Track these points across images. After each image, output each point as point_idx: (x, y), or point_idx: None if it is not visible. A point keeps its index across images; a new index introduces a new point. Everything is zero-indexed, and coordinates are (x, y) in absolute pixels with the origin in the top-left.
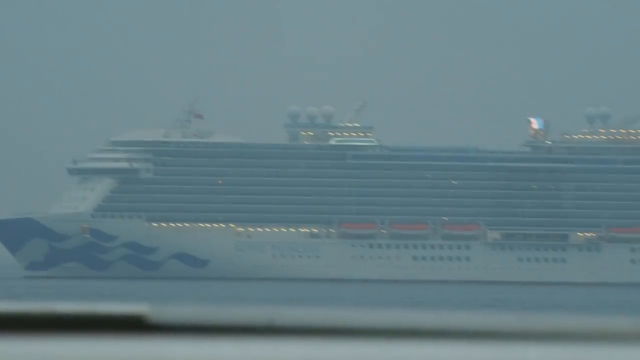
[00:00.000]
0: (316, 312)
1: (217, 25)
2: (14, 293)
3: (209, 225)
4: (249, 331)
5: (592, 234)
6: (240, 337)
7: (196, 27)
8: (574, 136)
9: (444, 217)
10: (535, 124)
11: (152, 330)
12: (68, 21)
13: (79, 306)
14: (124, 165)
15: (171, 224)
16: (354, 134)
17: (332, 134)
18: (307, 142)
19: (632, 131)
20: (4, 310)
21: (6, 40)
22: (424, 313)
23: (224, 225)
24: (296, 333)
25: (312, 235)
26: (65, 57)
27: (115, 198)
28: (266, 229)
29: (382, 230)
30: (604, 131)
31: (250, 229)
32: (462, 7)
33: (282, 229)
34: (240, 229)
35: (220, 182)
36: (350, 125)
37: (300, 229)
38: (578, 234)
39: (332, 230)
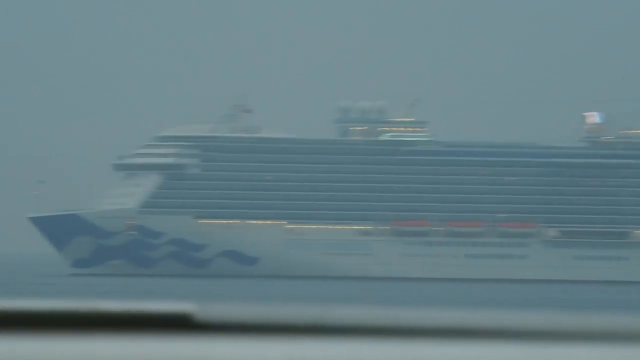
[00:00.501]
0: (365, 311)
1: (266, 19)
2: (59, 291)
3: (258, 222)
4: (296, 330)
5: None
6: (288, 337)
7: (245, 21)
8: (633, 131)
9: (499, 214)
10: (593, 118)
11: (199, 329)
12: (114, 15)
13: (124, 304)
14: (170, 160)
15: (219, 220)
16: (407, 129)
17: (384, 129)
18: (358, 138)
19: None
20: (48, 309)
21: (49, 34)
22: (476, 312)
23: (273, 222)
24: (344, 332)
25: (364, 232)
26: (112, 51)
27: (162, 194)
28: (316, 226)
29: (436, 228)
30: None
31: (300, 226)
32: (518, 2)
33: (333, 226)
34: (290, 226)
35: (269, 177)
36: (403, 120)
37: (351, 226)
38: (637, 231)
39: (384, 227)
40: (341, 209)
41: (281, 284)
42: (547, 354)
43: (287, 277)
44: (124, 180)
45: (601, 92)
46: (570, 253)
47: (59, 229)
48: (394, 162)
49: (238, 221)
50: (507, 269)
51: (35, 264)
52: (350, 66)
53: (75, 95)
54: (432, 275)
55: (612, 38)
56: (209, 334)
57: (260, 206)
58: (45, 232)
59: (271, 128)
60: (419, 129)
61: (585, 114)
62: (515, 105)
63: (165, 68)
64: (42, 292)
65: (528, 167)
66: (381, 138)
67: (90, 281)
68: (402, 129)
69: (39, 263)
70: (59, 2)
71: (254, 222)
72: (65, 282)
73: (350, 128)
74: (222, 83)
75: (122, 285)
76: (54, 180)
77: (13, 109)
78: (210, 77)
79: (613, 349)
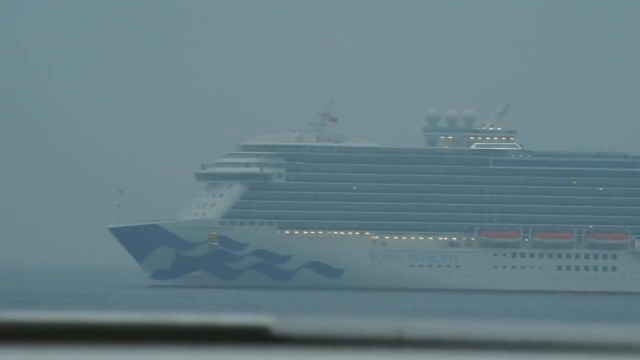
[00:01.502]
0: (446, 324)
1: (352, 27)
2: (139, 303)
3: (343, 233)
4: (376, 344)
5: None
6: (367, 350)
7: (330, 29)
8: None
9: (589, 226)
10: None
11: (277, 342)
12: (196, 22)
13: (201, 317)
14: (254, 170)
15: (304, 231)
16: (496, 139)
17: (473, 138)
18: (446, 147)
19: None
20: (125, 321)
21: (133, 48)
22: (562, 326)
23: (358, 233)
24: (425, 346)
25: (452, 243)
26: (194, 60)
27: (245, 204)
28: (403, 237)
29: (525, 239)
30: None
31: (386, 237)
32: (609, 11)
33: (420, 237)
34: (376, 237)
35: (354, 188)
36: (492, 129)
37: (438, 237)
38: None
39: (472, 238)
40: (428, 219)
41: (366, 296)
42: None
43: (372, 289)
44: (206, 190)
45: None
46: None
47: (139, 239)
48: (483, 172)
49: (323, 232)
50: (596, 280)
51: (115, 275)
52: (437, 73)
53: (156, 102)
54: (520, 287)
55: None
56: (287, 347)
57: (346, 217)
58: (126, 242)
59: (358, 137)
60: (508, 138)
61: None
62: (606, 114)
63: (249, 75)
64: (122, 304)
65: (618, 177)
66: (470, 147)
67: (171, 293)
68: (491, 138)
69: (118, 274)
70: (138, 13)
71: (339, 233)
72: (145, 294)
73: (439, 137)
74: (308, 91)
75: (203, 297)
76: (134, 190)
77: (93, 119)
78: (295, 83)
79: None
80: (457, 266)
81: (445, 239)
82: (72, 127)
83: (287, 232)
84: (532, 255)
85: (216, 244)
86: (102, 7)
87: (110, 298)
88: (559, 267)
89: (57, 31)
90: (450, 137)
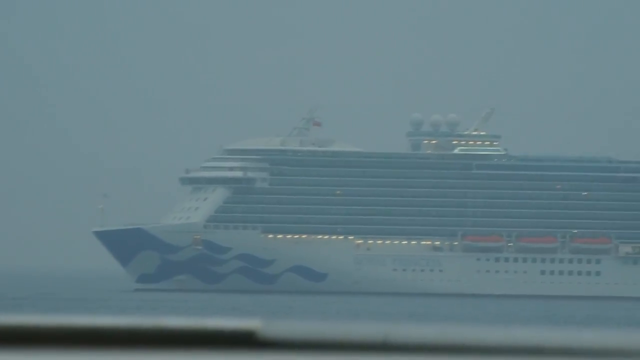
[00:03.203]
0: (432, 329)
1: (335, 32)
2: (124, 306)
3: (327, 237)
4: (362, 348)
5: None
6: (354, 354)
7: (314, 33)
8: None
9: (573, 230)
10: None
11: (264, 346)
12: (181, 30)
13: (188, 321)
14: (238, 174)
15: (288, 235)
16: (480, 143)
17: (456, 142)
18: (429, 151)
19: None
20: (112, 325)
21: (118, 50)
22: (548, 331)
23: (342, 238)
24: (410, 350)
25: (435, 248)
26: (177, 62)
27: (229, 208)
28: (386, 242)
29: (508, 244)
30: None
31: (370, 242)
32: (594, 16)
33: (403, 242)
34: (360, 242)
35: (338, 192)
36: (476, 133)
37: (422, 242)
38: None
39: (455, 243)
40: (412, 224)
41: (350, 300)
42: None
43: (356, 294)
44: (190, 194)
45: None
46: None
47: (123, 243)
48: (466, 177)
49: (307, 236)
50: (580, 285)
51: (100, 279)
52: (422, 77)
53: (140, 105)
54: (504, 292)
55: None
56: (274, 351)
57: (330, 221)
58: (110, 246)
59: (342, 141)
60: (492, 143)
61: None
62: (591, 118)
63: (233, 79)
64: (106, 308)
65: (603, 181)
66: (453, 152)
67: (155, 297)
68: (475, 142)
69: (103, 278)
70: (130, 15)
71: (323, 237)
72: (130, 298)
73: (422, 141)
74: (292, 94)
75: (187, 301)
76: (119, 194)
77: (77, 122)
78: (279, 87)
79: None
80: (441, 270)
81: (429, 243)
82: (57, 129)
83: (271, 236)
84: (515, 260)
85: (200, 247)
86: (98, 11)
87: (95, 302)
88: (543, 272)
89: (49, 33)
90: (434, 142)
